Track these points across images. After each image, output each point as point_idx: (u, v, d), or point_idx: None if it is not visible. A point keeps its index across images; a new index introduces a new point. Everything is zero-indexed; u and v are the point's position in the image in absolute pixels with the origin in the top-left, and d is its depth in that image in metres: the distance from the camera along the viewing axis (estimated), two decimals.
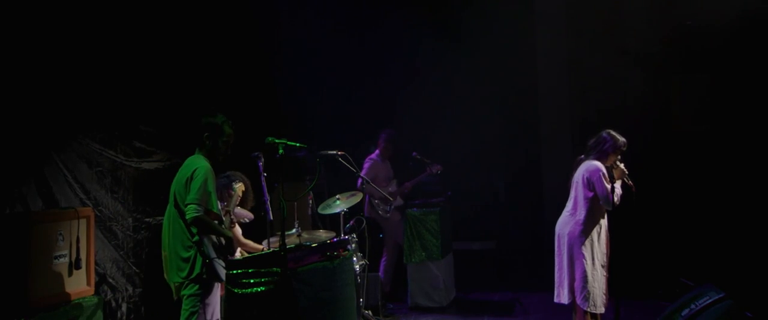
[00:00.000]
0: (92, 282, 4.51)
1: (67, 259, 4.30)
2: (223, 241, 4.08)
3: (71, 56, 4.88)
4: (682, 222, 7.02)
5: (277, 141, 3.94)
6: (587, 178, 4.79)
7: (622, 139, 4.82)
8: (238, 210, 4.90)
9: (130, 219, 5.36)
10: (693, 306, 4.44)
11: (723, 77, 7.23)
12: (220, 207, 4.19)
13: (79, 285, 4.38)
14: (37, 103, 4.62)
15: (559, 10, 8.11)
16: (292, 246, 4.31)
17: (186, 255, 3.93)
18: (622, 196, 4.79)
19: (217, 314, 4.11)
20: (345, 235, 5.32)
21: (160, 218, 5.26)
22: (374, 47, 8.10)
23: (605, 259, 4.88)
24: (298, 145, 4.14)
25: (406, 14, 7.96)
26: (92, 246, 4.53)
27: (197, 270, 3.91)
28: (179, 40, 5.91)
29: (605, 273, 4.85)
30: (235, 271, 3.78)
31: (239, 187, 4.76)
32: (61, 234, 4.25)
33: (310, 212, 6.19)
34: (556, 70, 8.17)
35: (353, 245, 5.26)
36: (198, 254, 3.92)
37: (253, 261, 3.83)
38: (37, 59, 4.62)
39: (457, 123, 8.12)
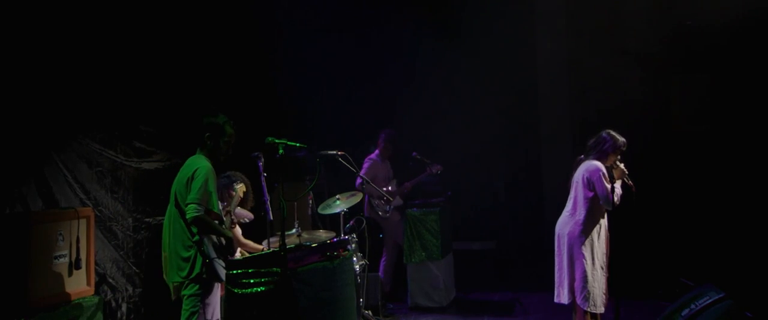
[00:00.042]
0: (92, 282, 4.51)
1: (67, 259, 4.30)
2: (224, 241, 4.08)
3: (71, 56, 4.88)
4: (682, 222, 7.02)
5: (277, 141, 3.94)
6: (587, 178, 4.79)
7: (621, 139, 4.82)
8: (239, 210, 4.90)
9: (130, 219, 5.36)
10: (693, 306, 4.44)
11: (723, 77, 7.24)
12: (220, 207, 4.19)
13: (79, 285, 4.38)
14: (37, 103, 4.62)
15: (559, 10, 8.12)
16: (292, 246, 4.31)
17: (186, 254, 3.93)
18: (622, 196, 4.79)
19: (218, 314, 4.12)
20: (345, 235, 5.32)
21: (160, 218, 5.26)
22: (374, 47, 8.10)
23: (605, 259, 4.88)
24: (298, 145, 4.14)
25: (406, 14, 7.96)
26: (92, 246, 4.53)
27: (197, 269, 3.91)
28: (179, 40, 5.91)
29: (605, 273, 4.85)
30: (235, 271, 3.78)
31: (240, 188, 4.76)
32: (61, 234, 4.25)
33: (310, 212, 6.19)
34: (556, 70, 8.18)
35: (353, 245, 5.26)
36: (198, 254, 3.92)
37: (253, 261, 3.83)
38: (37, 59, 4.62)
39: (457, 123, 8.12)
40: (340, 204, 5.44)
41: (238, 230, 5.01)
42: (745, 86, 7.05)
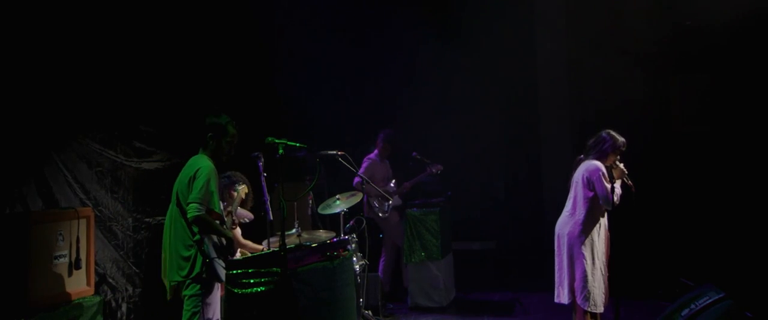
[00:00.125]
0: (92, 282, 4.51)
1: (67, 259, 4.30)
2: (224, 241, 4.08)
3: (71, 56, 4.88)
4: (682, 222, 7.02)
5: (277, 141, 3.95)
6: (587, 178, 4.79)
7: (621, 139, 4.82)
8: (239, 210, 4.89)
9: (130, 219, 5.36)
10: (693, 306, 4.44)
11: (723, 77, 7.24)
12: (222, 207, 4.19)
13: (79, 285, 4.38)
14: (37, 103, 4.61)
15: (559, 10, 8.12)
16: (292, 246, 4.31)
17: (187, 254, 3.93)
18: (621, 196, 4.79)
19: (218, 314, 4.11)
20: (345, 235, 5.32)
21: (160, 218, 5.26)
22: (374, 47, 8.10)
23: (605, 259, 4.88)
24: (298, 145, 4.14)
25: (406, 14, 7.96)
26: (92, 246, 4.53)
27: (197, 269, 3.91)
28: (179, 40, 5.91)
29: (605, 273, 4.85)
30: (235, 271, 3.79)
31: (242, 189, 4.76)
32: (61, 234, 4.25)
33: (310, 212, 6.19)
34: (556, 71, 8.18)
35: (353, 245, 5.26)
36: (198, 253, 3.92)
37: (253, 261, 3.83)
38: (38, 59, 4.62)
39: (457, 123, 8.12)
40: (340, 204, 5.44)
41: (237, 231, 5.01)
42: (745, 86, 7.05)
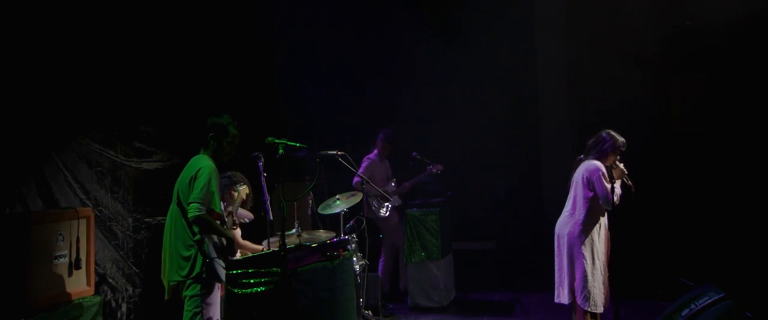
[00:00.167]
0: (92, 282, 4.51)
1: (67, 259, 4.30)
2: (225, 242, 4.08)
3: (71, 56, 4.88)
4: (682, 222, 7.02)
5: (277, 141, 3.95)
6: (587, 178, 4.79)
7: (621, 139, 4.82)
8: (239, 210, 4.90)
9: (130, 219, 5.36)
10: (693, 306, 4.44)
11: (723, 77, 7.24)
12: (222, 207, 4.19)
13: (79, 285, 4.38)
14: (37, 103, 4.61)
15: (559, 10, 8.12)
16: (292, 246, 4.31)
17: (187, 253, 3.93)
18: (621, 196, 4.79)
19: (218, 314, 4.11)
20: (345, 235, 5.32)
21: (160, 218, 5.27)
22: (374, 47, 8.11)
23: (605, 259, 4.88)
24: (298, 145, 4.14)
25: (406, 14, 7.96)
26: (92, 247, 4.53)
27: (197, 269, 3.91)
28: (179, 40, 5.91)
29: (605, 273, 4.85)
30: (235, 271, 3.78)
31: (244, 190, 4.76)
32: (61, 234, 4.25)
33: (310, 212, 6.19)
34: (556, 71, 8.18)
35: (353, 245, 5.26)
36: (199, 253, 3.92)
37: (253, 261, 3.83)
38: (37, 59, 4.62)
39: (458, 123, 8.13)
40: (340, 204, 5.44)
41: (237, 231, 5.01)
42: (745, 86, 7.05)
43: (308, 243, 4.59)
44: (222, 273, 3.94)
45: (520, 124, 8.38)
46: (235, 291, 3.74)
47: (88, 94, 5.03)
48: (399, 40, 8.10)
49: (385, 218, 6.72)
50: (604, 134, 4.86)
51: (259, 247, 5.01)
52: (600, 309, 4.78)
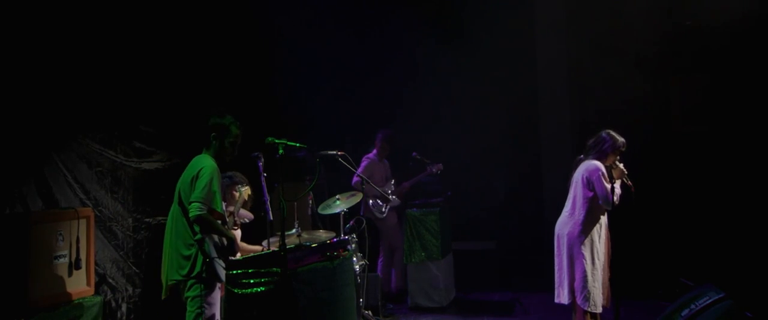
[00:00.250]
0: (92, 282, 4.52)
1: (67, 259, 4.30)
2: (225, 242, 4.08)
3: (71, 56, 4.88)
4: (682, 222, 7.02)
5: (277, 141, 3.95)
6: (587, 178, 4.79)
7: (621, 139, 4.82)
8: (240, 210, 4.90)
9: (130, 220, 5.36)
10: (693, 306, 4.43)
11: (723, 77, 7.23)
12: (223, 207, 4.19)
13: (79, 286, 4.39)
14: (37, 103, 4.62)
15: (559, 10, 8.11)
16: (292, 246, 4.31)
17: (187, 253, 3.93)
18: (621, 196, 4.79)
19: (218, 314, 4.11)
20: (345, 235, 5.32)
21: (160, 218, 5.27)
22: (375, 47, 8.10)
23: (605, 259, 4.88)
24: (298, 145, 4.15)
25: (406, 14, 7.96)
26: (92, 247, 4.53)
27: (198, 268, 3.91)
28: (179, 40, 5.91)
29: (606, 273, 4.85)
30: (235, 271, 3.79)
31: (246, 191, 4.76)
32: (61, 234, 4.26)
33: (310, 212, 6.19)
34: (556, 71, 8.17)
35: (353, 245, 5.26)
36: (199, 252, 3.92)
37: (253, 261, 3.83)
38: (37, 59, 4.62)
39: (458, 123, 8.13)
40: (340, 204, 5.44)
41: (238, 232, 5.01)
42: (745, 86, 7.04)
43: (308, 244, 4.59)
44: (222, 272, 3.94)
45: (520, 124, 8.37)
46: (235, 291, 3.74)
47: (88, 94, 5.03)
48: (399, 40, 8.09)
49: (383, 218, 6.72)
50: (604, 134, 4.86)
51: (257, 248, 5.02)
52: (600, 309, 4.79)
